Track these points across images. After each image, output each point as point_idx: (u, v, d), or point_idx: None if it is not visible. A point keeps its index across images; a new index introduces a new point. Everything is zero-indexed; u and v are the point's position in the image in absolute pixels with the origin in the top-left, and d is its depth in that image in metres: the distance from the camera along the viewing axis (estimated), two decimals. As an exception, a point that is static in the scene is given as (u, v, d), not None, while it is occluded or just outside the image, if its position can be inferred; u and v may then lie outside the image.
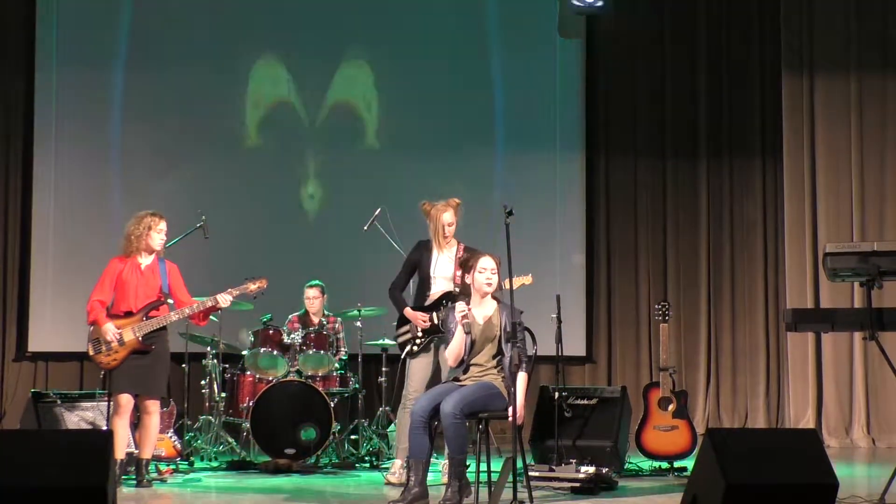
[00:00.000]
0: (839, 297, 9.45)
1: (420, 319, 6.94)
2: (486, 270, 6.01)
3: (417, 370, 6.99)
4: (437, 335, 6.95)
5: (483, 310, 6.07)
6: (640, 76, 10.48)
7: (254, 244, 9.81)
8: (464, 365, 6.00)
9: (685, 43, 10.44)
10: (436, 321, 6.94)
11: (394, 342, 7.37)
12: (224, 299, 6.88)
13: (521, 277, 6.70)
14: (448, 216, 6.99)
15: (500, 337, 5.98)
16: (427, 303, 7.02)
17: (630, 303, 10.34)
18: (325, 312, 8.72)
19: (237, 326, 8.70)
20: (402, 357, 7.15)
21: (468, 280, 6.09)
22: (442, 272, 7.03)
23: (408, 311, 7.00)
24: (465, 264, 6.17)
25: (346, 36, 10.17)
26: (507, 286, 6.10)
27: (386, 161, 10.06)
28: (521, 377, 5.84)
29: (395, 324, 7.19)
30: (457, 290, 6.97)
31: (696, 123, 10.40)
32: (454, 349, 5.99)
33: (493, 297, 6.10)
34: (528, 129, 10.29)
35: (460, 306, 5.95)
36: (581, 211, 10.32)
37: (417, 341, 6.98)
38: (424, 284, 7.06)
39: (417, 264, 7.09)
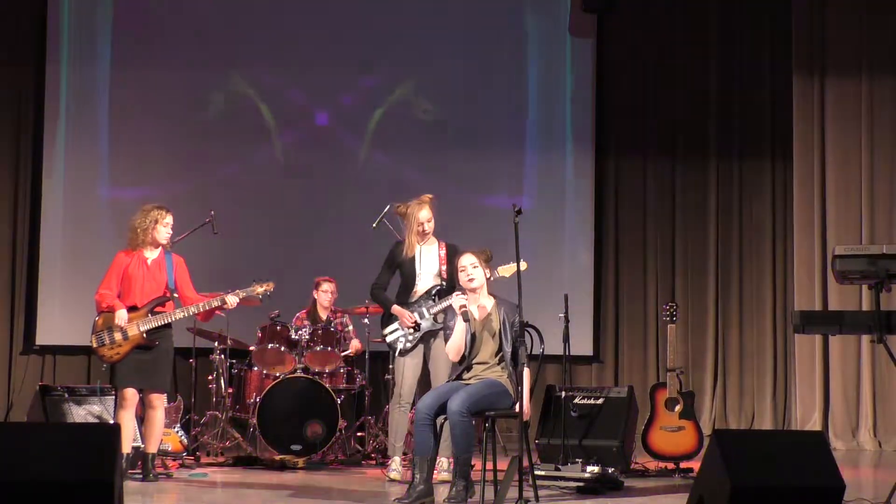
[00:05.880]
0: (847, 300, 9.43)
1: (407, 318, 6.93)
2: (465, 268, 6.04)
3: (409, 368, 6.97)
4: (428, 332, 6.96)
5: (480, 306, 6.07)
6: (650, 76, 10.46)
7: (262, 241, 9.82)
8: (466, 362, 6.00)
9: (696, 43, 10.41)
10: (427, 316, 6.94)
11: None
12: (231, 300, 6.89)
13: (509, 266, 6.53)
14: (424, 213, 7.00)
15: (501, 332, 5.99)
16: (413, 300, 7.01)
17: (638, 303, 10.33)
18: (332, 308, 8.72)
19: (244, 322, 8.69)
20: (395, 355, 7.06)
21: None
22: (428, 269, 7.03)
23: (396, 309, 6.98)
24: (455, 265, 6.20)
25: (358, 37, 10.15)
26: (499, 276, 6.15)
27: (393, 160, 10.05)
28: (526, 373, 5.85)
29: (381, 321, 7.15)
30: (443, 284, 6.98)
31: (707, 124, 10.38)
32: (455, 343, 5.99)
33: (491, 294, 6.12)
34: (538, 127, 10.27)
35: (459, 300, 5.97)
36: (590, 210, 10.31)
37: (410, 338, 6.96)
38: (409, 282, 7.04)
39: (398, 263, 7.08)
